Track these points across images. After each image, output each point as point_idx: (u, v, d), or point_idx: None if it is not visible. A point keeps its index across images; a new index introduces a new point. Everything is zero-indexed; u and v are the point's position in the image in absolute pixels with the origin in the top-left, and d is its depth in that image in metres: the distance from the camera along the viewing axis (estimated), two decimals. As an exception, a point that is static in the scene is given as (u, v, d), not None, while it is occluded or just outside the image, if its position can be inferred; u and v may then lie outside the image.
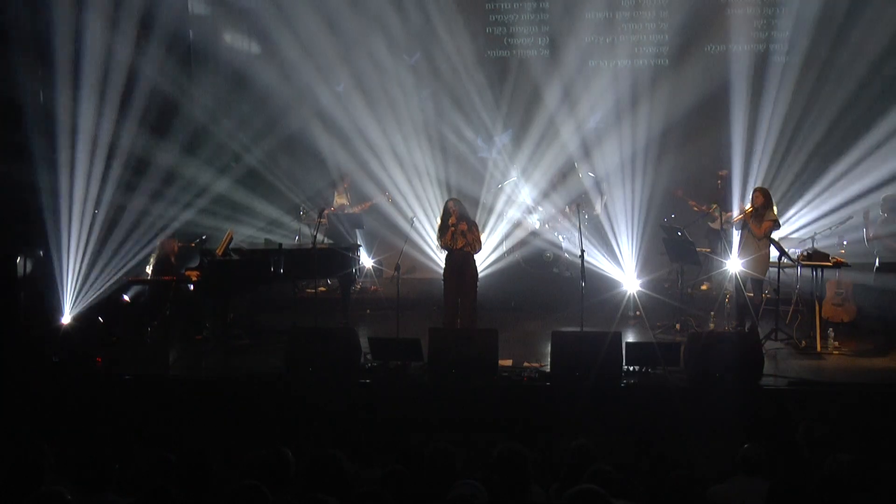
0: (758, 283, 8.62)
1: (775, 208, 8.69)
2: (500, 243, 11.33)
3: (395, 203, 11.54)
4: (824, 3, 11.41)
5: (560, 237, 10.81)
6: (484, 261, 10.38)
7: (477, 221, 8.93)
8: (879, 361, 7.92)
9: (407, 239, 8.67)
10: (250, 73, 11.65)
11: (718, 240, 10.34)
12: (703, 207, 10.83)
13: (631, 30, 12.53)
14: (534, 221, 11.22)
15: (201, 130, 11.02)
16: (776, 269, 8.53)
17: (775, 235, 8.53)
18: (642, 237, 11.15)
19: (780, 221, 8.81)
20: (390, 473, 3.97)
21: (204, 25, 11.64)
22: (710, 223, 10.69)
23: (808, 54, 11.62)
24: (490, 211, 11.57)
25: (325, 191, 11.76)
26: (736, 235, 9.06)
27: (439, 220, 8.56)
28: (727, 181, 10.95)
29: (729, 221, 9.88)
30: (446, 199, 8.92)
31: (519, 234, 11.07)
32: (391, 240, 10.86)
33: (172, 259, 8.96)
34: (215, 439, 5.77)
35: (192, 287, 8.62)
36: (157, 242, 9.14)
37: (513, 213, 11.43)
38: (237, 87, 11.65)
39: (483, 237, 8.95)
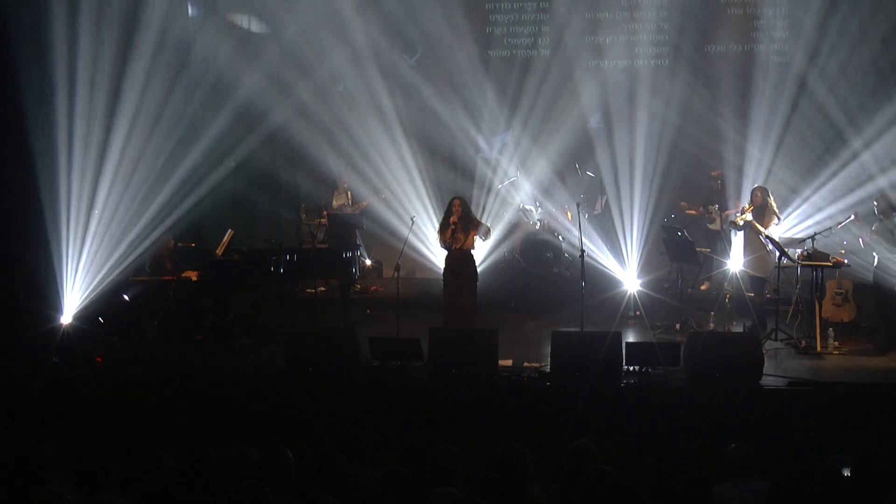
0: (761, 283, 8.62)
1: (774, 204, 8.70)
2: (501, 243, 11.34)
3: (394, 203, 11.53)
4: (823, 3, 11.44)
5: (560, 237, 10.81)
6: (483, 259, 10.37)
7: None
8: (879, 361, 7.92)
9: (407, 239, 8.67)
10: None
11: (718, 240, 10.34)
12: (699, 209, 10.83)
13: (631, 30, 12.54)
14: (534, 221, 11.22)
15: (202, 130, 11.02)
16: (776, 269, 8.53)
17: (776, 231, 8.54)
18: (643, 237, 11.15)
19: (781, 219, 8.83)
20: (390, 473, 3.97)
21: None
22: (709, 224, 10.68)
23: (807, 54, 11.64)
24: (490, 210, 11.58)
25: (325, 191, 11.77)
26: (736, 236, 9.05)
27: (442, 218, 8.57)
28: (721, 181, 10.94)
29: (731, 219, 9.88)
30: (448, 198, 8.90)
31: (518, 234, 11.07)
32: (391, 240, 10.86)
33: (167, 262, 8.97)
34: (215, 439, 5.77)
35: (192, 287, 8.62)
36: (154, 240, 9.15)
37: (512, 213, 11.44)
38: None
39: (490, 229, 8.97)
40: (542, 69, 12.46)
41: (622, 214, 11.57)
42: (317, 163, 12.15)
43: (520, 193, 11.61)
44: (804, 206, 10.83)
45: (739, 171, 11.37)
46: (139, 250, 9.11)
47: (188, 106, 10.77)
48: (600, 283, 9.99)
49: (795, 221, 10.63)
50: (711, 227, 10.62)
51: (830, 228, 8.98)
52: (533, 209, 11.35)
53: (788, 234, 9.95)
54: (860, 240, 9.16)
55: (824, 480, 3.90)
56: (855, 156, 10.96)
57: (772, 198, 8.67)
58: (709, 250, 10.32)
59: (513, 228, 11.29)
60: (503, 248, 11.23)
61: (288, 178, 12.37)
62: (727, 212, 10.39)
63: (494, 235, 11.04)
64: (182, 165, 10.54)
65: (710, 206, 10.67)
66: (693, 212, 10.86)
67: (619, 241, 11.34)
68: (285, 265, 8.79)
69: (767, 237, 8.47)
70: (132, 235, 9.14)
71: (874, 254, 8.36)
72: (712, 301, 9.50)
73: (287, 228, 11.70)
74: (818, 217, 10.39)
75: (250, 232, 11.34)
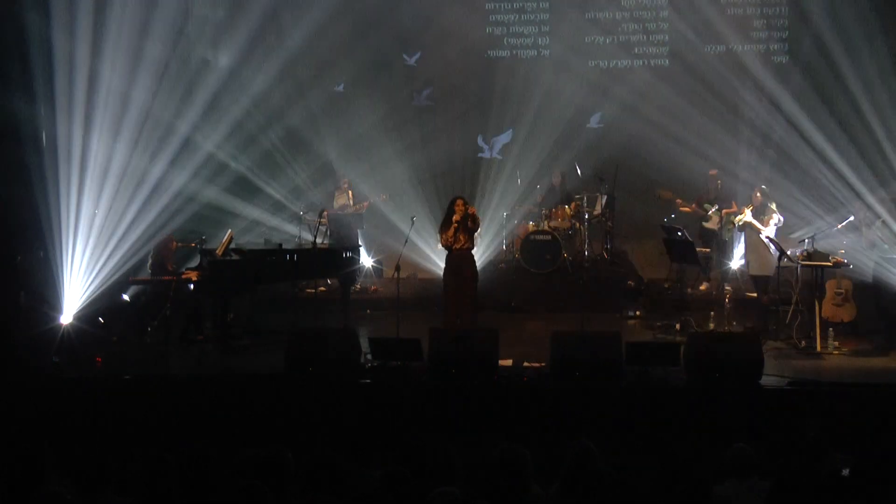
0: (765, 282, 8.62)
1: (774, 204, 8.72)
2: (501, 243, 11.34)
3: (394, 203, 11.53)
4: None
5: (560, 237, 10.81)
6: (482, 259, 10.37)
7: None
8: (879, 361, 7.92)
9: (407, 239, 8.67)
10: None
11: (713, 239, 10.35)
12: (693, 206, 10.81)
13: (631, 30, 12.55)
14: (534, 221, 11.22)
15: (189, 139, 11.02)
16: (776, 269, 8.54)
17: (780, 231, 8.58)
18: (643, 237, 11.15)
19: (781, 220, 8.84)
20: (390, 473, 3.97)
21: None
22: (704, 223, 10.66)
23: (808, 53, 11.66)
24: (490, 210, 11.59)
25: (325, 192, 11.78)
26: (740, 236, 9.06)
27: (443, 217, 8.57)
28: (720, 180, 10.93)
29: (729, 220, 9.87)
30: (448, 198, 8.90)
31: (518, 233, 11.08)
32: (391, 240, 10.87)
33: (168, 264, 8.97)
34: (215, 439, 5.77)
35: (192, 287, 8.62)
36: (155, 242, 9.16)
37: (513, 213, 11.45)
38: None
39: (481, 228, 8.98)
40: (543, 69, 12.47)
41: (622, 214, 11.58)
42: (317, 162, 12.18)
43: (520, 193, 11.62)
44: (805, 207, 10.84)
45: (738, 170, 11.38)
46: (140, 251, 9.12)
47: (185, 104, 10.78)
48: (601, 283, 9.99)
49: (796, 224, 10.64)
50: (707, 225, 10.60)
51: (831, 228, 8.99)
52: (533, 209, 11.35)
53: (789, 235, 9.97)
54: (863, 238, 9.17)
55: (824, 480, 3.90)
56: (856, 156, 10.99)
57: (772, 198, 8.69)
58: (708, 250, 10.33)
59: (513, 228, 11.30)
60: (502, 247, 11.26)
61: (288, 178, 12.38)
62: (726, 211, 10.38)
63: (493, 235, 11.09)
64: (181, 164, 10.57)
65: (706, 205, 10.65)
66: (688, 209, 10.85)
67: (619, 240, 11.35)
68: (285, 265, 8.79)
69: (767, 237, 8.49)
70: (132, 236, 9.15)
71: (876, 253, 8.38)
72: (712, 301, 9.51)
73: (287, 228, 11.71)
74: (818, 218, 10.40)
75: (249, 232, 11.35)
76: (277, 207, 11.96)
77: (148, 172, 9.76)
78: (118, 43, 9.24)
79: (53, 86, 8.19)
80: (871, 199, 9.60)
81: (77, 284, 8.37)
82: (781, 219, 8.78)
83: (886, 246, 8.84)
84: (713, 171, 11.00)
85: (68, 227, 8.36)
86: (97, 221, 8.79)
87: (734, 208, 10.19)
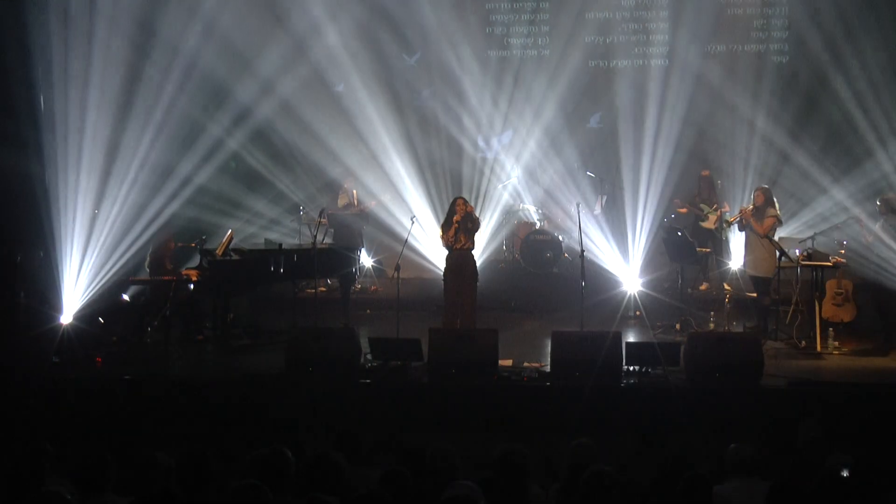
0: (765, 283, 8.62)
1: (777, 206, 8.71)
2: (501, 243, 11.34)
3: (394, 203, 11.52)
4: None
5: (560, 237, 10.81)
6: (482, 259, 10.36)
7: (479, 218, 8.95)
8: (879, 361, 7.92)
9: (407, 239, 8.67)
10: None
11: (711, 239, 10.34)
12: (687, 206, 10.79)
13: (631, 30, 12.55)
14: (533, 221, 11.22)
15: (199, 129, 11.01)
16: (776, 270, 8.54)
17: (780, 232, 8.55)
18: (643, 237, 11.14)
19: (781, 221, 8.83)
20: (390, 473, 3.97)
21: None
22: (701, 223, 10.66)
23: (807, 54, 11.66)
24: (490, 210, 11.59)
25: (326, 191, 11.77)
26: (735, 236, 9.05)
27: (444, 217, 8.57)
28: (710, 180, 10.92)
29: (725, 219, 9.86)
30: (449, 198, 8.91)
31: (518, 234, 11.08)
32: (390, 241, 10.87)
33: (167, 262, 8.96)
34: (215, 439, 5.77)
35: (192, 287, 8.62)
36: (154, 241, 9.15)
37: (512, 213, 11.45)
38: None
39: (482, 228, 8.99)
40: (542, 69, 12.47)
41: (622, 214, 11.57)
42: (317, 162, 12.17)
43: (519, 193, 11.62)
44: (805, 207, 10.84)
45: (737, 171, 11.38)
46: (140, 250, 9.12)
47: (184, 103, 10.77)
48: (600, 283, 10.00)
49: (796, 223, 10.63)
50: (704, 225, 10.60)
51: (832, 231, 8.98)
52: (532, 209, 11.36)
53: (788, 235, 9.96)
54: (863, 237, 9.17)
55: (824, 480, 3.90)
56: (858, 156, 10.99)
57: (774, 199, 8.68)
58: (708, 250, 10.33)
59: (512, 228, 11.30)
60: (502, 247, 11.26)
61: (288, 178, 12.38)
62: (723, 209, 10.38)
63: (490, 233, 11.09)
64: (181, 164, 10.56)
65: (703, 206, 10.65)
66: (683, 210, 10.85)
67: (619, 240, 11.32)
68: (285, 265, 8.79)
69: (765, 237, 8.48)
70: (132, 235, 9.15)
71: (875, 253, 8.37)
72: (712, 301, 9.51)
73: (287, 228, 11.71)
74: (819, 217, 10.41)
75: (250, 232, 11.35)
76: (279, 197, 11.96)
77: (150, 171, 9.75)
78: (117, 46, 9.24)
79: (51, 79, 8.17)
80: (859, 210, 9.60)
81: (77, 284, 8.36)
82: (781, 219, 8.77)
83: (886, 245, 8.84)
84: (706, 172, 11.00)
85: (68, 228, 8.35)
86: (97, 221, 8.79)
87: (727, 208, 10.21)
